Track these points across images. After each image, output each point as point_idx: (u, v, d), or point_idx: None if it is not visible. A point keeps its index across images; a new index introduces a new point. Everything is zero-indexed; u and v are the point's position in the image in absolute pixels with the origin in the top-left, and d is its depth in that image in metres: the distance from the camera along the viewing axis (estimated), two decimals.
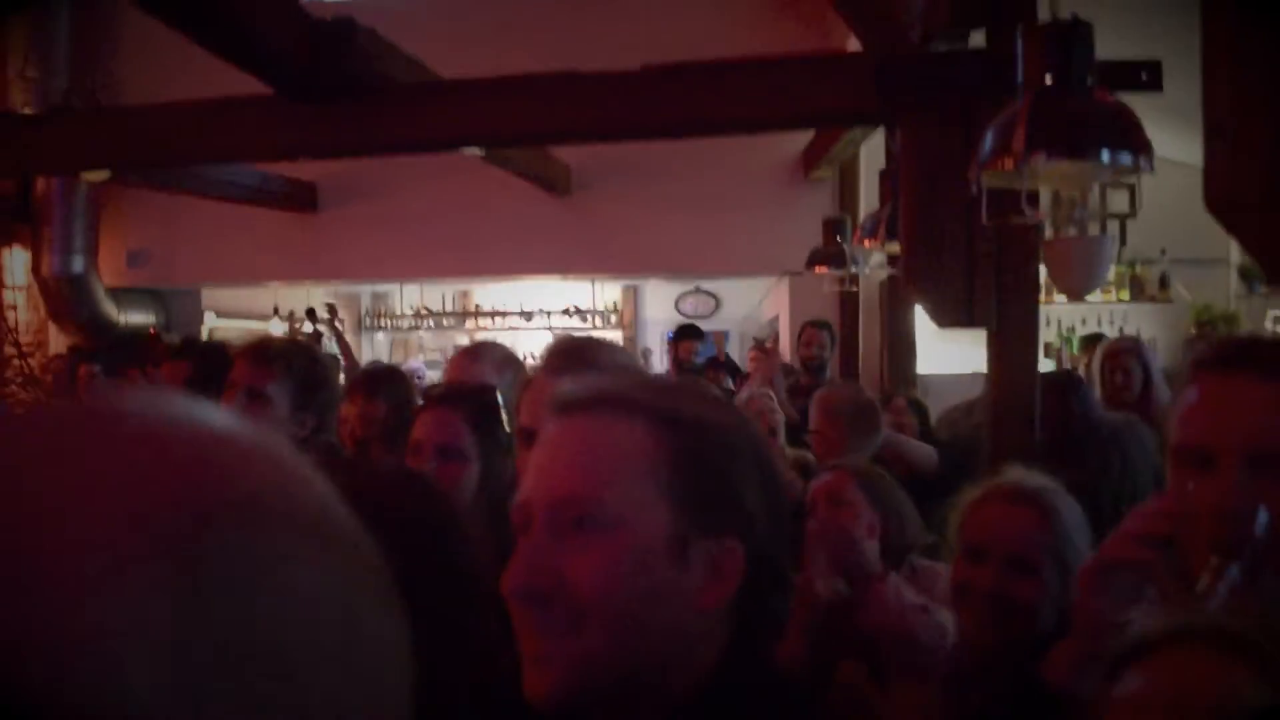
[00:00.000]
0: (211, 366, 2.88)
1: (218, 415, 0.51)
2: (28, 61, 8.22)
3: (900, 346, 7.19)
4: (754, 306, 12.43)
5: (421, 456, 2.17)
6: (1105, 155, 2.10)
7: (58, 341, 8.98)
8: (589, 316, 13.37)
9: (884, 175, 5.29)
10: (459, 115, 3.83)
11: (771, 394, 4.67)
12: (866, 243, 4.93)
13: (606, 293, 13.42)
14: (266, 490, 0.48)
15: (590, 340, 1.89)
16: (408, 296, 14.07)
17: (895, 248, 4.84)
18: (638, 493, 1.00)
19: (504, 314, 13.58)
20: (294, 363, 2.52)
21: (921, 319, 6.21)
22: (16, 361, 8.86)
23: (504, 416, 2.33)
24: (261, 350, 2.53)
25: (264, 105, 3.93)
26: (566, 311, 13.26)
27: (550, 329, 13.59)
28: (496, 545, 2.23)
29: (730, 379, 6.86)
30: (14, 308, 8.83)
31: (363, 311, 14.19)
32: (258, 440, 0.50)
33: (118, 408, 0.49)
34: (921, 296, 3.83)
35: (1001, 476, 2.06)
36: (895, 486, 2.77)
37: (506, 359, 3.16)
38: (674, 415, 1.04)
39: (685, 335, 7.76)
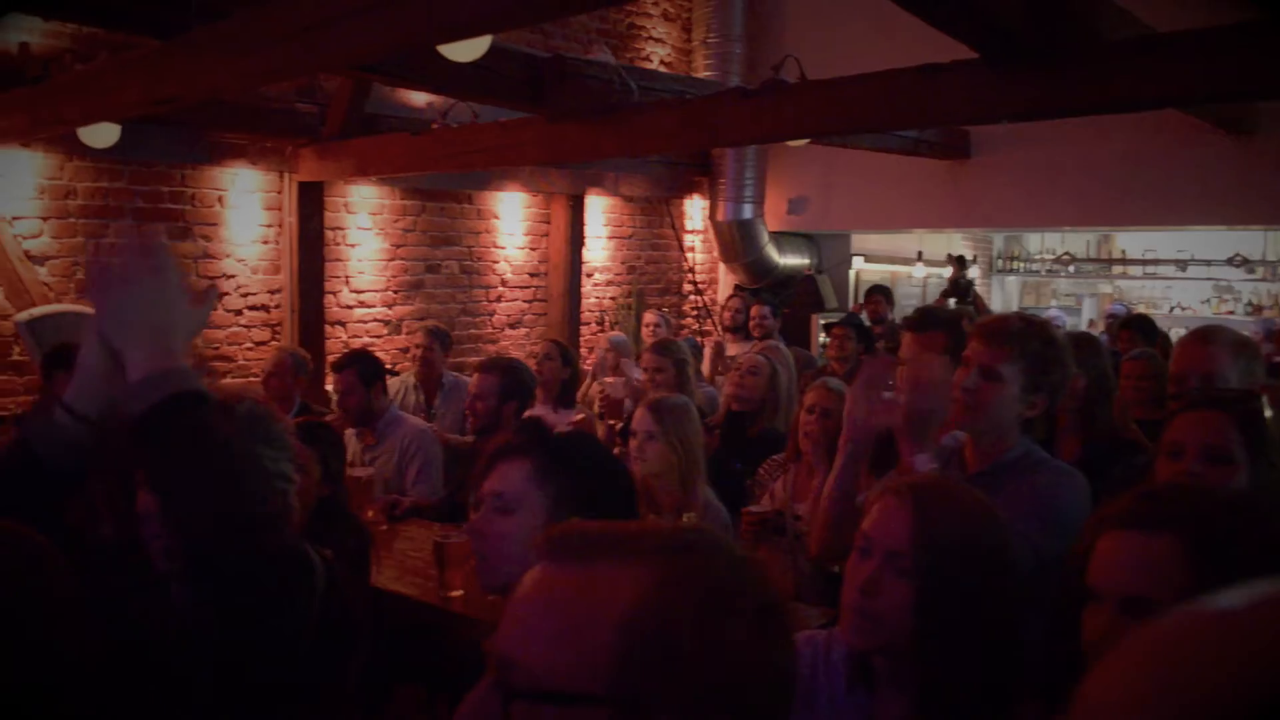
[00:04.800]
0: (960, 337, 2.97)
1: None
2: (709, 30, 9.13)
3: None
4: None
5: (1185, 459, 2.07)
6: None
7: (726, 280, 9.93)
8: (1255, 267, 11.93)
9: None
10: (1180, 70, 3.55)
11: None
12: None
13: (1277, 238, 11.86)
14: None
15: None
16: (1046, 240, 13.57)
17: None
18: None
19: (1154, 262, 12.58)
20: (1028, 344, 2.51)
21: None
22: (694, 297, 9.94)
23: (1267, 423, 2.16)
24: (997, 329, 2.54)
25: (965, 70, 3.94)
26: (1231, 261, 11.94)
27: (1212, 280, 12.37)
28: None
29: None
30: (692, 249, 9.89)
31: (994, 255, 13.93)
32: None
33: None
34: None
35: None
36: None
37: (1241, 343, 2.93)
38: None
39: None
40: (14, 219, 5.80)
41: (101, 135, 5.16)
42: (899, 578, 1.64)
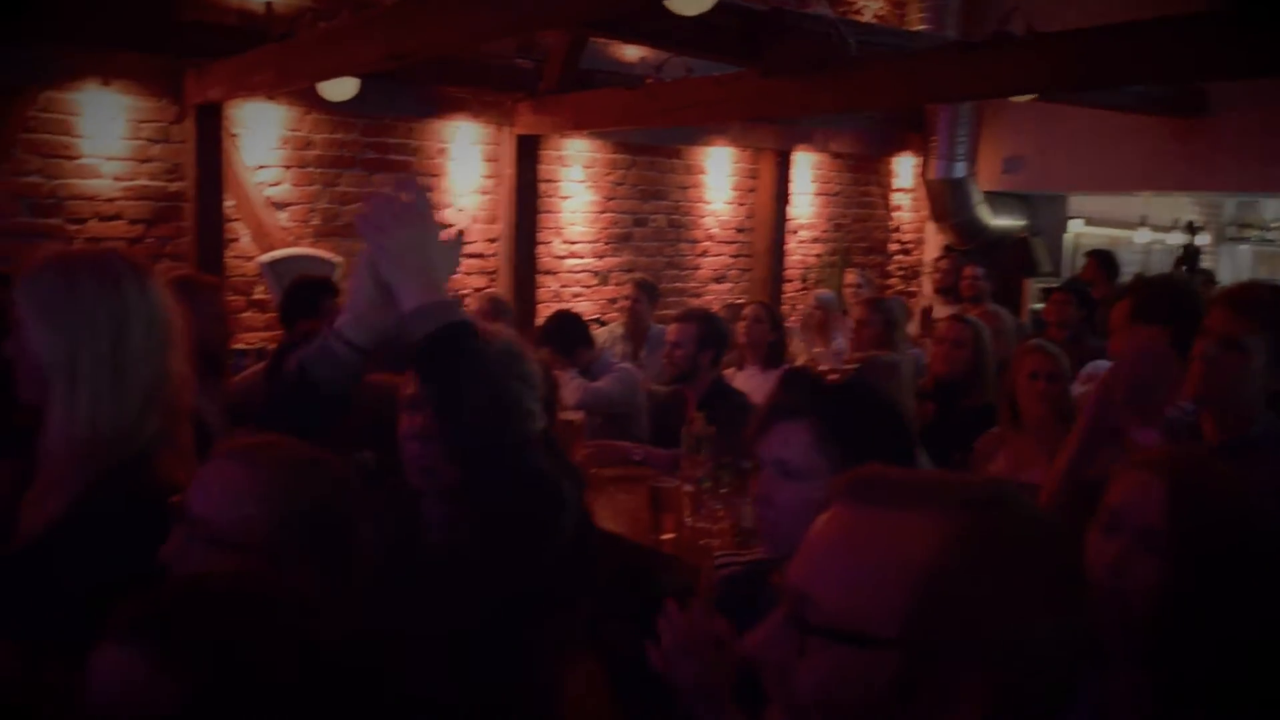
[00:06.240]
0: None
1: None
2: None
3: None
4: None
5: None
6: None
7: (933, 240, 9.69)
8: None
9: None
10: None
11: None
12: None
13: None
14: None
15: None
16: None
17: None
18: None
19: None
20: (1276, 314, 2.38)
21: None
22: (899, 257, 9.75)
23: None
24: (1243, 298, 2.42)
25: (1210, 21, 3.74)
26: None
27: None
28: None
29: None
30: (899, 208, 9.69)
31: (1224, 221, 13.07)
32: None
33: None
34: None
35: None
36: None
37: None
38: None
39: None
40: (259, 168, 6.22)
41: (341, 89, 5.45)
42: (1150, 556, 1.57)
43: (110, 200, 5.76)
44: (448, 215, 6.92)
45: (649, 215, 7.96)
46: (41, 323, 1.70)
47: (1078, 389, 4.06)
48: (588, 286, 7.64)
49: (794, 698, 0.89)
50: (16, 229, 5.49)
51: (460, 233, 1.80)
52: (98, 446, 1.69)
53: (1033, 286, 8.96)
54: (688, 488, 3.49)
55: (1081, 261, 8.79)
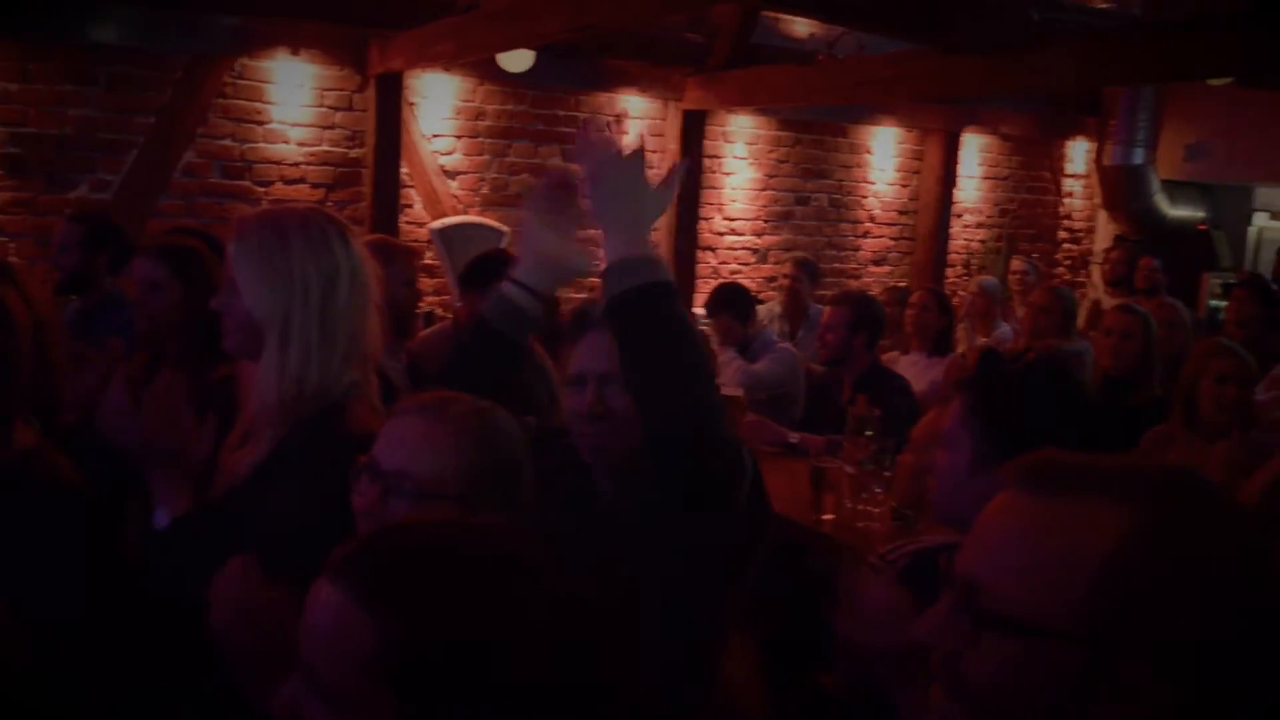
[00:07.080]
0: None
1: None
2: None
3: None
4: None
5: None
6: None
7: (1105, 230, 9.33)
8: None
9: None
10: None
11: None
12: None
13: None
14: None
15: None
16: None
17: None
18: None
19: None
20: None
21: None
22: (1067, 245, 9.42)
23: None
24: None
25: None
26: None
27: None
28: None
29: None
30: (1070, 194, 9.35)
31: None
32: None
33: None
34: None
35: None
36: None
37: None
38: None
39: None
40: (433, 136, 6.41)
41: (519, 61, 5.56)
42: None
43: (295, 165, 6.02)
44: None
45: (811, 194, 7.88)
46: (255, 280, 1.74)
47: (1261, 393, 3.87)
48: (746, 264, 7.63)
49: (963, 685, 0.87)
50: (210, 190, 5.82)
51: (674, 170, 1.73)
52: (302, 398, 1.75)
53: (1211, 281, 8.53)
54: (849, 469, 3.47)
55: (1269, 257, 8.37)
